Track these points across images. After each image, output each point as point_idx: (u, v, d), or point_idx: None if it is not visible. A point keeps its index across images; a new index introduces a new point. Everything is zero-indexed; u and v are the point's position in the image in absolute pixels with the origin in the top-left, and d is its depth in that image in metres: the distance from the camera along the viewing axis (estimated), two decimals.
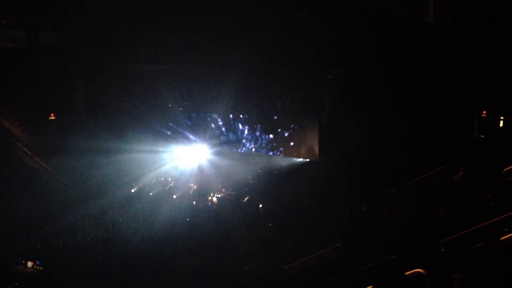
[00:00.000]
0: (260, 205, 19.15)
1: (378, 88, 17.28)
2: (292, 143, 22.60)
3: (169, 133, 23.42)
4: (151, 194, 20.79)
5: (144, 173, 21.42)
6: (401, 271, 6.50)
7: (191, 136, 24.28)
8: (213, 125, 24.97)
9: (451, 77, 15.80)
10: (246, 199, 20.30)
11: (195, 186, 22.25)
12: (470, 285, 5.63)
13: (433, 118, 16.83)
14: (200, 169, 23.40)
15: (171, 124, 23.76)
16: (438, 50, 15.94)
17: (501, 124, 17.23)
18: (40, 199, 17.58)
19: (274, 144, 23.43)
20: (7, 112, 20.70)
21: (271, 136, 23.02)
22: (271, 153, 23.88)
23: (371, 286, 6.59)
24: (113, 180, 19.98)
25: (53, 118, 22.03)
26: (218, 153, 24.13)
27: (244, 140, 24.61)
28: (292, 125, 22.48)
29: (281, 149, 23.22)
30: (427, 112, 16.80)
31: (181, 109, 24.32)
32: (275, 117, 22.30)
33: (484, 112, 17.12)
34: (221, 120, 24.90)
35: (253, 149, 24.40)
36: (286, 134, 22.74)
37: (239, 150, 24.88)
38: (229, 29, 17.64)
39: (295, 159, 22.64)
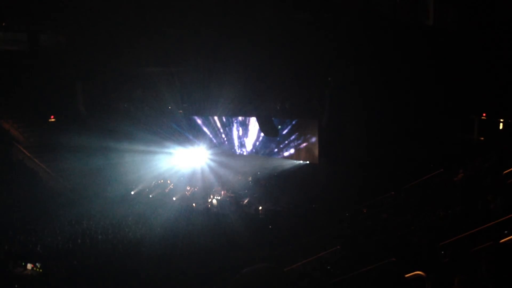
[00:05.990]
0: (260, 207, 19.15)
1: (377, 91, 17.29)
2: (292, 145, 22.61)
3: (169, 135, 23.42)
4: (150, 196, 20.80)
5: (144, 175, 21.43)
6: (401, 273, 6.49)
7: (191, 138, 24.29)
8: (212, 128, 24.98)
9: (451, 79, 15.81)
10: (246, 201, 20.32)
11: (195, 188, 22.26)
12: None
13: (433, 121, 16.84)
14: (200, 171, 23.41)
15: (171, 126, 23.77)
16: (438, 53, 15.95)
17: (501, 127, 17.24)
18: (40, 200, 17.59)
19: (274, 146, 23.42)
20: (7, 113, 20.71)
21: (271, 138, 23.01)
22: (270, 155, 23.88)
23: None
24: (113, 181, 19.99)
25: (53, 120, 22.04)
26: (217, 155, 24.15)
27: (244, 142, 24.62)
28: (292, 127, 22.48)
29: (281, 151, 23.22)
30: (427, 114, 16.81)
31: (181, 111, 24.34)
32: (275, 120, 22.32)
33: (484, 114, 17.13)
34: (221, 122, 24.92)
35: (253, 151, 24.40)
36: (286, 137, 22.73)
37: (239, 152, 24.89)
38: (229, 32, 17.66)
39: (295, 161, 22.64)
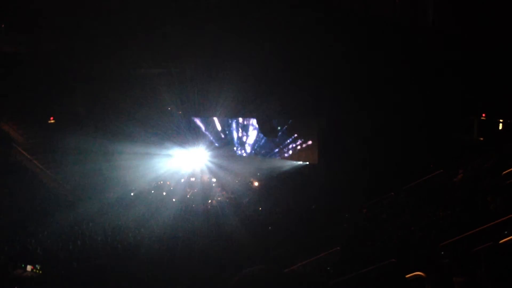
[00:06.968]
0: (260, 208, 19.14)
1: (378, 91, 17.29)
2: (291, 146, 22.60)
3: (168, 136, 23.42)
4: (150, 197, 20.78)
5: (143, 176, 21.42)
6: (402, 274, 6.49)
7: (190, 139, 24.28)
8: (212, 129, 24.98)
9: (450, 79, 15.81)
10: (245, 202, 20.30)
11: (194, 190, 22.25)
12: None
13: (433, 121, 16.83)
14: (200, 173, 23.41)
15: (170, 127, 23.77)
16: (438, 53, 15.95)
17: (500, 127, 17.23)
18: (40, 202, 17.57)
19: (274, 147, 23.41)
20: (6, 115, 20.70)
21: (270, 139, 22.99)
22: (270, 156, 23.86)
23: None
24: (112, 183, 19.98)
25: (52, 121, 22.03)
26: (217, 156, 24.14)
27: (243, 143, 24.61)
28: (292, 128, 22.46)
29: (281, 152, 23.21)
30: (427, 115, 16.80)
31: (180, 112, 24.33)
32: (275, 120, 22.30)
33: (484, 115, 17.12)
34: (221, 123, 24.92)
35: (253, 152, 24.39)
36: (285, 137, 22.72)
37: (239, 153, 24.88)
38: (229, 32, 17.67)
39: (295, 162, 22.62)
